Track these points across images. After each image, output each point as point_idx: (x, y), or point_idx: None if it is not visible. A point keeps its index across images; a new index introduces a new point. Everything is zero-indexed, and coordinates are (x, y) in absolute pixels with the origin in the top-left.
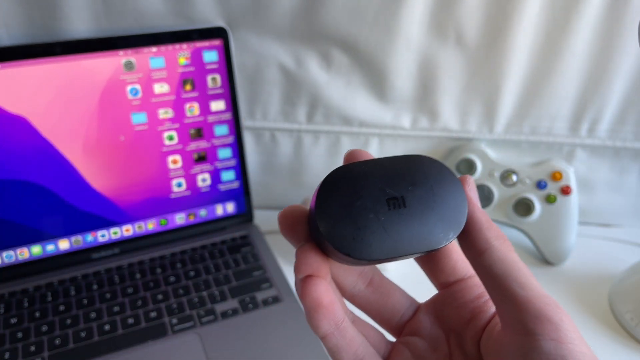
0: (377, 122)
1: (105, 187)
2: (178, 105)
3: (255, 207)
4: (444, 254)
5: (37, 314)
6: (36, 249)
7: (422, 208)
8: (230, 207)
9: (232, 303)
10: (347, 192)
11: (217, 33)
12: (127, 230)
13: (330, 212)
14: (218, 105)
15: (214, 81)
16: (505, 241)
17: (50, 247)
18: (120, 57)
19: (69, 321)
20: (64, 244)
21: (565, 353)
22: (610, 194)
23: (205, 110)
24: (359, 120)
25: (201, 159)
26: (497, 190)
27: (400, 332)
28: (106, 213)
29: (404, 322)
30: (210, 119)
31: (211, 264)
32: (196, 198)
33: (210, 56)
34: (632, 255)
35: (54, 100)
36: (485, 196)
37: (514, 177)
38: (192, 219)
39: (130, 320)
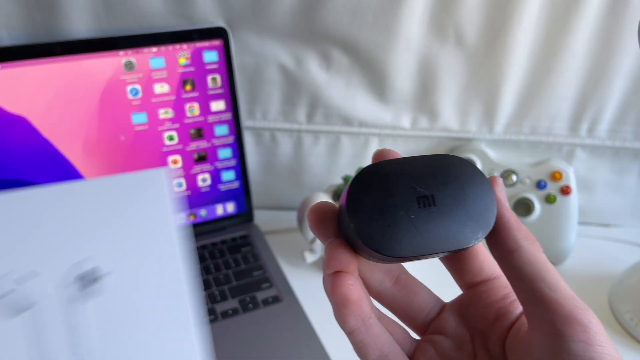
0: (377, 122)
1: None
2: (178, 106)
3: (255, 207)
4: (471, 254)
5: None
6: None
7: (451, 207)
8: (230, 207)
9: (232, 303)
10: (378, 190)
11: (217, 33)
12: None
13: (360, 208)
14: (218, 105)
15: (214, 81)
16: (534, 242)
17: None
18: (121, 57)
19: None
20: None
21: (594, 355)
22: (610, 194)
23: (205, 110)
24: (359, 120)
25: (201, 159)
26: None
27: (424, 330)
28: None
29: (429, 320)
30: (211, 119)
31: (211, 263)
32: (196, 198)
33: (211, 56)
34: (632, 255)
35: (54, 100)
36: None
37: (514, 177)
38: (192, 219)
39: None
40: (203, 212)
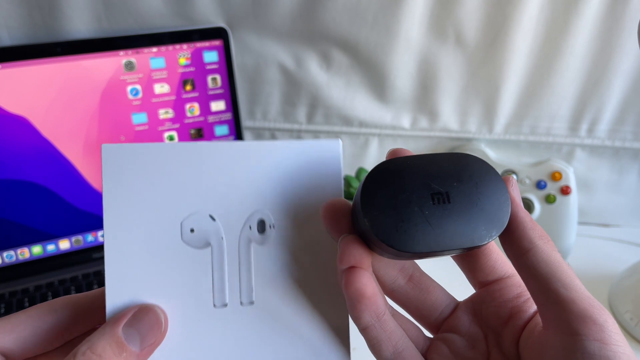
0: (377, 122)
1: None
2: (178, 106)
3: None
4: (484, 253)
5: None
6: (37, 249)
7: (466, 204)
8: None
9: None
10: (392, 185)
11: (217, 33)
12: None
13: (374, 204)
14: (218, 105)
15: (214, 81)
16: (548, 241)
17: (50, 247)
18: (121, 58)
19: None
20: (64, 244)
21: (610, 354)
22: (609, 193)
23: (205, 110)
24: (359, 120)
25: None
26: None
27: (438, 329)
28: None
29: (442, 319)
30: (211, 119)
31: None
32: None
33: (211, 56)
34: (632, 255)
35: (55, 100)
36: None
37: (514, 177)
38: None
39: None
40: None
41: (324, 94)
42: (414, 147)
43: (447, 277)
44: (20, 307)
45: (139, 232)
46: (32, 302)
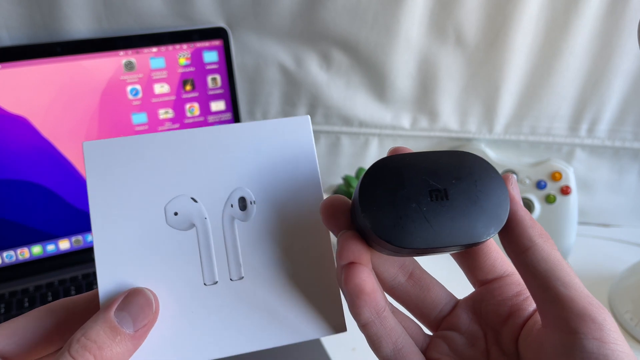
0: (377, 122)
1: None
2: (178, 106)
3: None
4: (484, 251)
5: None
6: (37, 249)
7: (464, 202)
8: None
9: None
10: (391, 182)
11: (217, 33)
12: None
13: (373, 200)
14: (218, 105)
15: (214, 81)
16: (548, 239)
17: (50, 247)
18: (121, 58)
19: None
20: (64, 244)
21: (608, 353)
22: (609, 193)
23: (205, 110)
24: (359, 120)
25: None
26: None
27: (437, 326)
28: None
29: (442, 317)
30: (211, 119)
31: None
32: None
33: (211, 56)
34: (632, 255)
35: (55, 100)
36: None
37: (514, 176)
38: None
39: None
40: None
41: (324, 94)
42: (414, 147)
43: (447, 275)
44: (20, 307)
45: (125, 221)
46: (32, 302)
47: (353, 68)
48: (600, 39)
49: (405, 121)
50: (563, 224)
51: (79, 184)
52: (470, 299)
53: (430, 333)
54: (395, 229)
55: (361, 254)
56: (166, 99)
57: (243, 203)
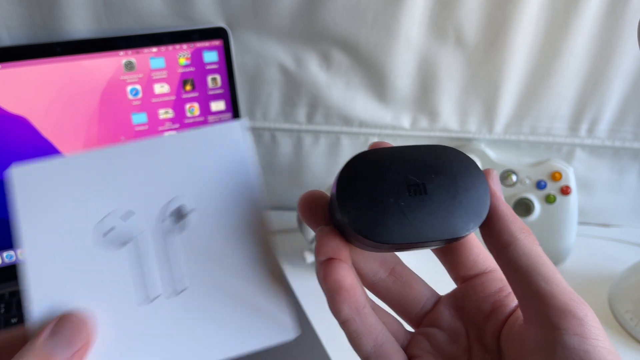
0: (377, 122)
1: None
2: (178, 106)
3: None
4: (465, 247)
5: None
6: None
7: (443, 196)
8: None
9: None
10: (369, 176)
11: (217, 33)
12: None
13: (350, 194)
14: (218, 105)
15: (214, 81)
16: (529, 234)
17: None
18: (121, 58)
19: None
20: None
21: (589, 348)
22: (609, 194)
23: (205, 110)
24: (359, 120)
25: None
26: None
27: (419, 323)
28: None
29: (423, 313)
30: (211, 119)
31: None
32: None
33: (211, 56)
34: (632, 255)
35: (54, 101)
36: None
37: (514, 177)
38: None
39: None
40: None
41: (324, 94)
42: None
43: (430, 270)
44: (20, 307)
45: (58, 244)
46: None
47: (353, 68)
48: (600, 39)
49: (405, 121)
50: (563, 224)
51: None
52: (452, 295)
53: (412, 330)
54: (373, 224)
55: (340, 249)
56: (166, 99)
57: (179, 214)
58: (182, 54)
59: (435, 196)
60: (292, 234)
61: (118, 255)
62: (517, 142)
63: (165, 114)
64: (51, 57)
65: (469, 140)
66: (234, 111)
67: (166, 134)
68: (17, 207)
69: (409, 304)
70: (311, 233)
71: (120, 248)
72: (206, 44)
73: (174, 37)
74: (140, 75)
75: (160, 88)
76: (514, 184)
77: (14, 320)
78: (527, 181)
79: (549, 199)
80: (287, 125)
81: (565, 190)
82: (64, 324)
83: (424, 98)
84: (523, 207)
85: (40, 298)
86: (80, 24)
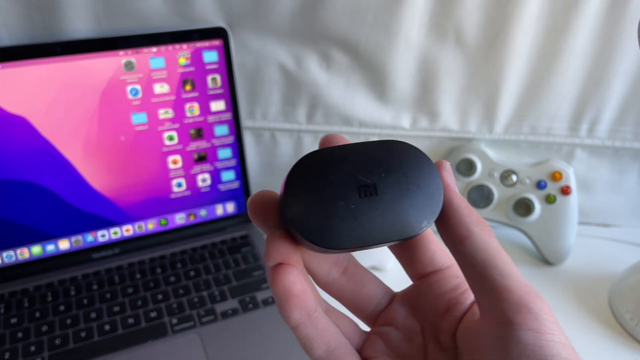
0: (377, 122)
1: (105, 187)
2: (178, 106)
3: None
4: (421, 244)
5: (37, 314)
6: (36, 249)
7: (394, 196)
8: (230, 207)
9: (232, 303)
10: (317, 179)
11: (217, 33)
12: (127, 230)
13: (298, 199)
14: (218, 105)
15: (214, 81)
16: (485, 227)
17: (50, 247)
18: (121, 57)
19: (69, 321)
20: (64, 244)
21: (543, 343)
22: (609, 194)
23: (205, 110)
24: (359, 120)
25: (201, 159)
26: (496, 191)
27: (374, 322)
28: (106, 213)
29: (378, 311)
30: (211, 119)
31: (211, 264)
32: (196, 198)
33: (210, 56)
34: (632, 255)
35: (54, 100)
36: (485, 196)
37: (514, 177)
38: (192, 219)
39: (131, 320)
40: (203, 212)
41: (324, 94)
42: None
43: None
44: (19, 307)
45: None
46: (32, 302)
47: (353, 68)
48: (600, 39)
49: (405, 121)
50: (563, 224)
51: (79, 184)
52: (407, 293)
53: (368, 329)
54: (322, 230)
55: (290, 254)
56: (166, 98)
57: None
58: (182, 54)
59: (386, 196)
60: None
61: None
62: (517, 142)
63: (165, 113)
64: (51, 57)
65: (469, 140)
66: (234, 111)
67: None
68: None
69: (362, 302)
70: None
71: None
72: (206, 43)
73: (174, 37)
74: (140, 75)
75: (160, 88)
76: (514, 184)
77: (13, 320)
78: (527, 181)
79: (549, 199)
80: (287, 125)
81: (565, 190)
82: None
83: (424, 98)
84: (523, 207)
85: None
86: (80, 24)
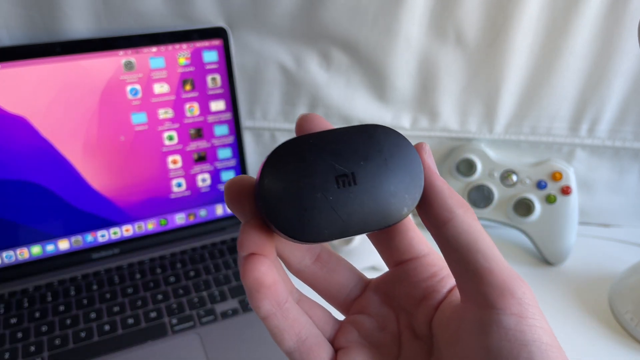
0: (377, 122)
1: (105, 187)
2: (178, 106)
3: None
4: (400, 232)
5: (37, 314)
6: (36, 249)
7: (373, 184)
8: None
9: (232, 303)
10: (294, 169)
11: (217, 33)
12: (127, 231)
13: (274, 190)
14: (218, 105)
15: (214, 81)
16: (468, 209)
17: (50, 247)
18: (121, 57)
19: (68, 321)
20: (63, 244)
21: (525, 328)
22: (610, 194)
23: (205, 110)
24: (359, 120)
25: (201, 159)
26: (497, 191)
27: (348, 309)
28: (106, 213)
29: (352, 299)
30: (210, 119)
31: (211, 264)
32: (196, 198)
33: (210, 56)
34: (632, 255)
35: (54, 100)
36: (485, 196)
37: (514, 177)
38: (192, 219)
39: (130, 321)
40: (203, 212)
41: (324, 93)
42: None
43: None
44: (19, 307)
45: None
46: (32, 303)
47: (353, 68)
48: (600, 39)
49: (406, 121)
50: (563, 224)
51: (79, 184)
52: (381, 280)
53: (342, 318)
54: (299, 223)
55: (263, 244)
56: (166, 98)
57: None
58: (182, 54)
59: (365, 185)
60: None
61: None
62: (518, 142)
63: (165, 113)
64: (51, 57)
65: (469, 140)
66: (234, 111)
67: None
68: None
69: (335, 289)
70: None
71: None
72: (206, 43)
73: (174, 37)
74: (140, 75)
75: (160, 88)
76: (514, 184)
77: (13, 321)
78: (528, 181)
79: (550, 199)
80: (287, 125)
81: (565, 190)
82: None
83: (424, 98)
84: (523, 207)
85: None
86: (79, 23)
